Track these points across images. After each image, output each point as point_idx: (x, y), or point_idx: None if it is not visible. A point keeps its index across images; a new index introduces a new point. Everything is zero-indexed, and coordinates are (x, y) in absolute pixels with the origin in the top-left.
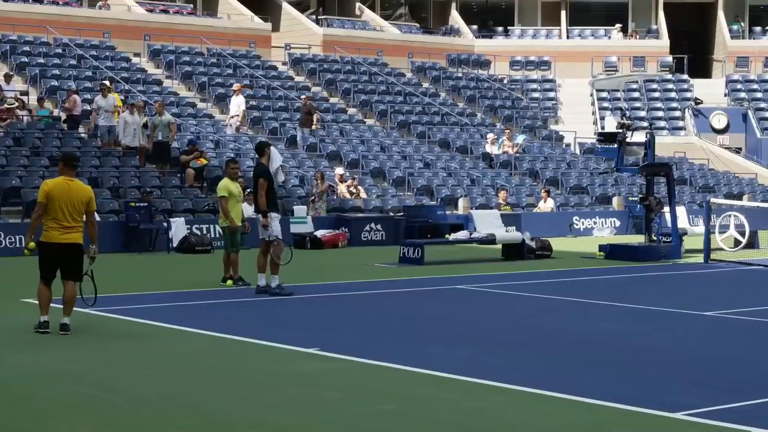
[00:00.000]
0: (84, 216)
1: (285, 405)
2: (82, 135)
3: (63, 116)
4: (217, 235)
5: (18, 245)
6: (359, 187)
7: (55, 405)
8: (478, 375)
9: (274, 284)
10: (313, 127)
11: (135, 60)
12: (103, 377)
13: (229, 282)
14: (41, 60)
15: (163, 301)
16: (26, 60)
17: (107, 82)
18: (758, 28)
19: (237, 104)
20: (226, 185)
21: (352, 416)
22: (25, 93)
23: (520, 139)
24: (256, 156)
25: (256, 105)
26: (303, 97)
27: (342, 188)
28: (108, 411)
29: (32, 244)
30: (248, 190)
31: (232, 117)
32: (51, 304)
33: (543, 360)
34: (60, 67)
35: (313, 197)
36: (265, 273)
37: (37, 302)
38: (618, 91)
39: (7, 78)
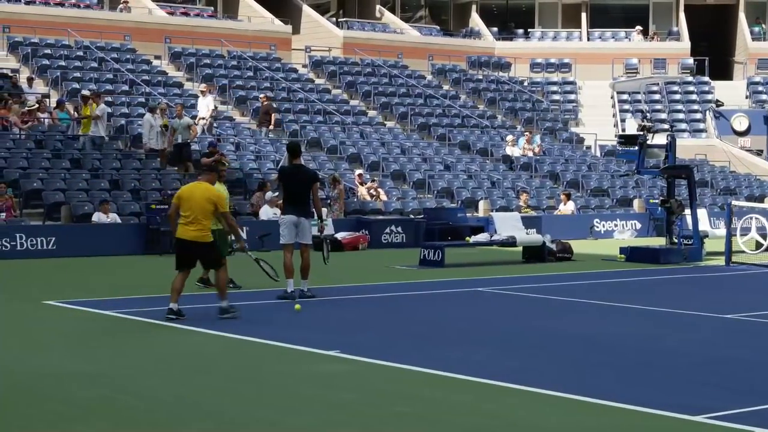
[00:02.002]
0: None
1: (302, 407)
2: (104, 137)
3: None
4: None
5: (39, 248)
6: (379, 190)
7: (70, 406)
8: (496, 377)
9: (305, 287)
10: (270, 126)
11: (156, 62)
12: (119, 378)
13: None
14: (62, 63)
15: (181, 303)
16: (47, 63)
17: (87, 92)
18: None
19: (205, 105)
20: (217, 187)
21: (370, 418)
22: (47, 95)
23: (537, 139)
24: (288, 156)
25: (276, 107)
26: (261, 96)
27: (362, 190)
28: (123, 412)
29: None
30: (276, 193)
31: (201, 119)
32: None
33: (561, 362)
34: (81, 70)
35: (329, 200)
36: (294, 278)
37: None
38: (639, 93)
39: (29, 81)
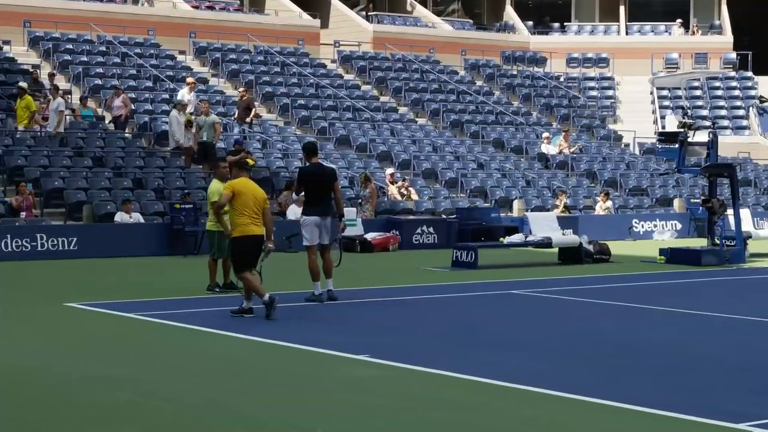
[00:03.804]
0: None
1: (332, 412)
2: (126, 135)
3: (108, 116)
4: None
5: (60, 248)
6: (410, 189)
7: (98, 411)
8: (531, 382)
9: (332, 286)
10: (248, 120)
11: (180, 58)
12: (146, 382)
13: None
14: (84, 58)
15: (208, 306)
16: (69, 58)
17: (24, 84)
18: None
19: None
20: (218, 188)
21: (401, 424)
22: (69, 92)
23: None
24: (306, 155)
25: (304, 104)
26: (241, 90)
27: (393, 190)
28: (151, 417)
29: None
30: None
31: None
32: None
33: (598, 367)
34: (104, 66)
35: (360, 200)
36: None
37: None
38: (679, 89)
39: (51, 77)
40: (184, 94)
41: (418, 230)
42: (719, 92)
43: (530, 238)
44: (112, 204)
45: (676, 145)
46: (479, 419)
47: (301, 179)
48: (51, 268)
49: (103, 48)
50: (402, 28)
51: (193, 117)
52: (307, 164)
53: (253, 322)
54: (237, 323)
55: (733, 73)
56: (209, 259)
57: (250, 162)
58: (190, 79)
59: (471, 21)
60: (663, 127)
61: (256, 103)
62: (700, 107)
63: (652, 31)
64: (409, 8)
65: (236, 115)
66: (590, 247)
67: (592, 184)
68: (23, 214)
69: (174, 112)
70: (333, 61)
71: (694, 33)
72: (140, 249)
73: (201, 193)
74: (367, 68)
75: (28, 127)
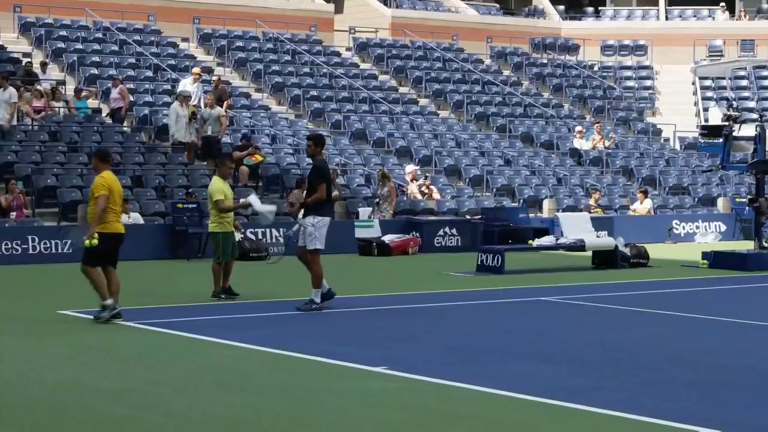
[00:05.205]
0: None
1: (346, 428)
2: (125, 129)
3: (106, 109)
4: (274, 240)
5: (54, 251)
6: (432, 187)
7: (94, 425)
8: (563, 397)
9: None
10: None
11: (183, 45)
12: (145, 396)
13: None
14: (79, 46)
15: (212, 313)
16: (63, 46)
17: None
18: None
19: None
20: (221, 187)
21: None
22: (62, 82)
23: (612, 133)
24: (316, 148)
25: (316, 96)
26: (215, 78)
27: (413, 188)
28: None
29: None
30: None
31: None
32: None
33: (636, 381)
34: (100, 54)
35: (377, 199)
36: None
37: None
38: (723, 78)
39: (43, 66)
40: (186, 84)
41: (440, 232)
42: (767, 82)
43: (561, 241)
44: None
45: (720, 140)
46: None
47: (323, 174)
48: (43, 273)
49: (100, 35)
50: (423, 14)
51: (197, 109)
52: (319, 158)
53: (260, 331)
54: (243, 333)
55: None
56: (213, 263)
57: (259, 158)
58: (195, 70)
59: (497, 5)
60: (706, 121)
61: (226, 87)
62: (747, 98)
63: (694, 16)
64: None
65: (210, 103)
66: (627, 251)
67: (629, 182)
68: (14, 215)
69: (175, 104)
70: (348, 49)
71: (739, 18)
72: (139, 252)
73: (205, 192)
74: (385, 57)
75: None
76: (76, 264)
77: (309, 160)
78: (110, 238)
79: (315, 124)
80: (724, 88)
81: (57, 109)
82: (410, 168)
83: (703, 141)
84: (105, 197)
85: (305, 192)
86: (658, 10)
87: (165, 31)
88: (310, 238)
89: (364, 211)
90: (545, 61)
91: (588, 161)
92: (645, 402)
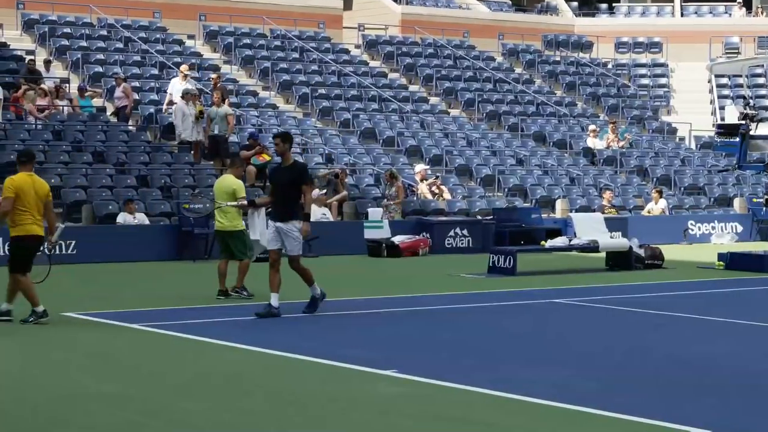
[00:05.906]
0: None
1: None
2: (130, 128)
3: (110, 107)
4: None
5: (57, 252)
6: (442, 187)
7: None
8: (575, 401)
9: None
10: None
11: (189, 43)
12: (148, 401)
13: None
14: (84, 43)
15: (219, 316)
16: (67, 43)
17: None
18: None
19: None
20: (242, 186)
21: None
22: (66, 80)
23: (627, 133)
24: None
25: (325, 94)
26: (214, 76)
27: (423, 188)
28: None
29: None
30: (324, 191)
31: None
32: None
33: (650, 386)
34: (105, 52)
35: (386, 199)
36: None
37: (75, 315)
38: (740, 76)
39: (46, 64)
40: (175, 83)
41: (451, 233)
42: None
43: (575, 242)
44: (114, 204)
45: (737, 139)
46: None
47: (309, 175)
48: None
49: (104, 32)
50: (433, 10)
51: (204, 108)
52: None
53: (267, 333)
54: (249, 335)
55: None
56: (219, 262)
57: (266, 157)
58: (183, 67)
59: (509, 2)
60: (722, 119)
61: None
62: (764, 97)
63: (711, 13)
64: None
65: (216, 102)
66: (641, 252)
67: (644, 182)
68: None
69: (181, 103)
70: (357, 47)
71: (757, 14)
72: (145, 253)
73: (212, 192)
74: (395, 54)
75: None
76: (79, 265)
77: (318, 160)
78: (28, 241)
79: (323, 123)
80: (741, 86)
81: (61, 107)
82: (420, 167)
83: (719, 140)
84: (9, 200)
85: (272, 194)
86: (673, 6)
87: (171, 28)
88: (296, 243)
89: (373, 212)
90: (558, 58)
91: (602, 161)
92: (661, 407)
